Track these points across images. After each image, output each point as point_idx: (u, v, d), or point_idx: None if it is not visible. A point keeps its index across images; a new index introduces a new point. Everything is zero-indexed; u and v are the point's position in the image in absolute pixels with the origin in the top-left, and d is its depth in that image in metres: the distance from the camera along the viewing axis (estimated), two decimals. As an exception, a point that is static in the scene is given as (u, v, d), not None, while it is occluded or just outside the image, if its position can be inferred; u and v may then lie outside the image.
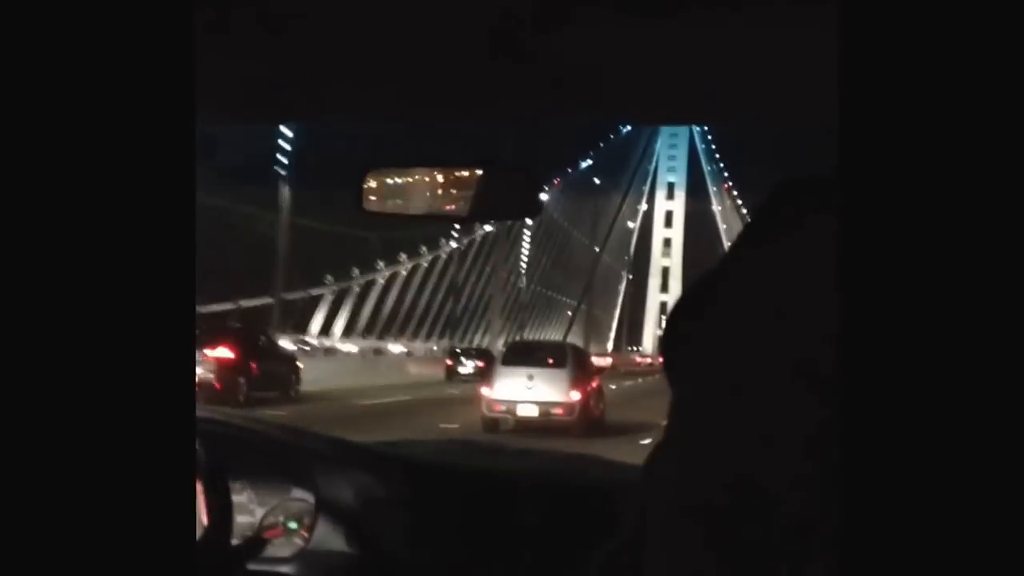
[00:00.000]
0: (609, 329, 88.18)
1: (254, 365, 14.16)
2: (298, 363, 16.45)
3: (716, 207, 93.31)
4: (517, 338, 32.44)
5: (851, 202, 0.35)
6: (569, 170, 53.95)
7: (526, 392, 12.09)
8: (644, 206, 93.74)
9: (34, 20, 0.44)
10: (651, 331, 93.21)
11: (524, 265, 47.86)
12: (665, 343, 0.45)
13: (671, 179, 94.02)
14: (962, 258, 0.33)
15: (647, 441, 6.41)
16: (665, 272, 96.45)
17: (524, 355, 12.88)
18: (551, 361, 12.39)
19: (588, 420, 12.30)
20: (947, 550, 0.32)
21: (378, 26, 0.91)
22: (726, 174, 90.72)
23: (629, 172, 77.38)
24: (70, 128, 0.44)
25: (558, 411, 12.20)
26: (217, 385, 12.78)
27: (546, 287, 51.60)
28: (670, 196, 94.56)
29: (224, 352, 13.57)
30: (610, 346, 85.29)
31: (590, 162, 58.77)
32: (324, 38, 0.94)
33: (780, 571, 0.37)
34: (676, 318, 0.45)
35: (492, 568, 1.45)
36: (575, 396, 12.06)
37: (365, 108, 1.24)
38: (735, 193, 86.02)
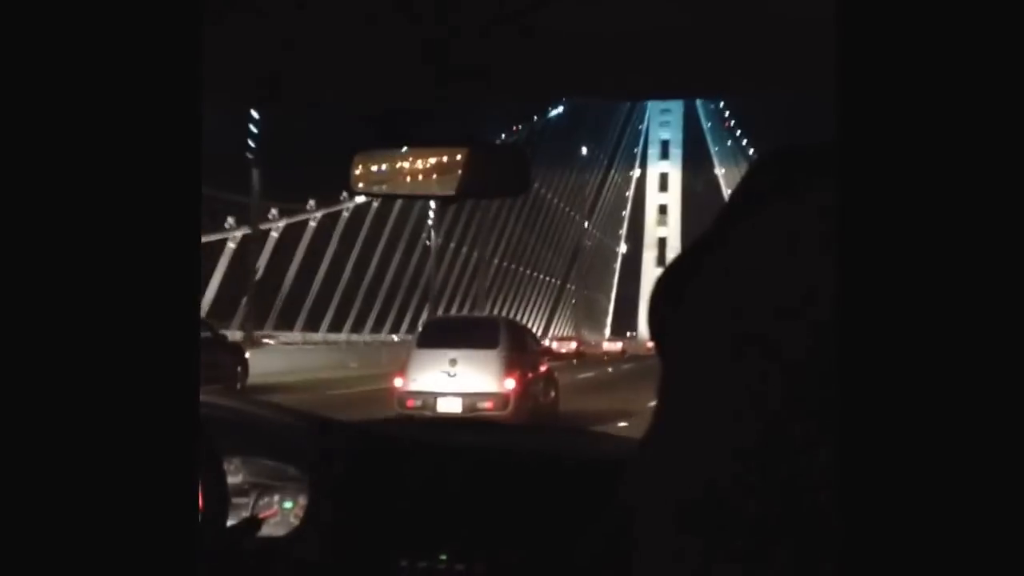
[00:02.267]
0: (605, 313, 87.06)
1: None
2: (245, 354, 17.32)
3: (719, 170, 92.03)
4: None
5: (849, 177, 0.38)
6: (535, 117, 49.98)
7: (447, 382, 10.76)
8: (637, 171, 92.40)
9: (30, 14, 0.49)
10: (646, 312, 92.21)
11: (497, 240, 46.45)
12: (649, 325, 0.48)
13: (665, 136, 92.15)
14: (962, 235, 0.36)
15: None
16: (662, 244, 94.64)
17: (445, 334, 11.45)
18: (479, 341, 11.01)
19: (529, 414, 10.80)
20: (945, 546, 0.34)
21: (372, 5, 1.03)
22: (731, 120, 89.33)
23: (615, 131, 76.49)
24: (70, 121, 0.49)
25: (487, 404, 10.69)
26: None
27: (520, 264, 50.18)
28: (664, 156, 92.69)
29: None
30: (607, 331, 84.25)
31: (561, 110, 55.88)
32: (315, 20, 1.08)
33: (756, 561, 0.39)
34: (656, 300, 0.48)
35: (485, 544, 1.59)
36: (509, 384, 10.70)
37: (360, 90, 1.41)
38: (739, 134, 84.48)
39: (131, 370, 0.50)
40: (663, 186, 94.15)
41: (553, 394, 12.31)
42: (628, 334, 79.83)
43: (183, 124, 0.51)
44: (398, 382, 11.12)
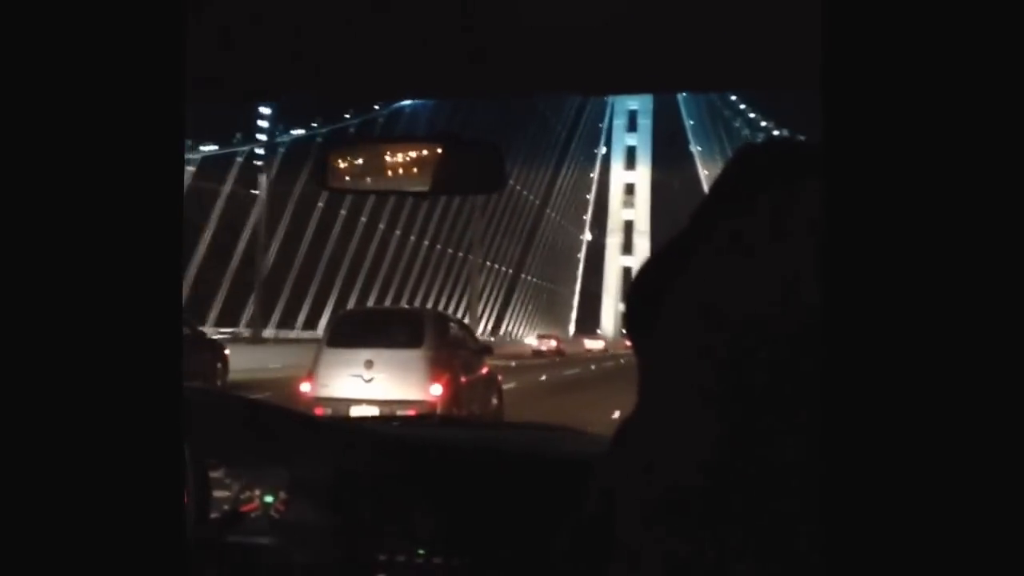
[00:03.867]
0: (568, 307, 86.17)
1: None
2: (225, 351, 18.18)
3: (695, 147, 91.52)
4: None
5: (835, 173, 0.41)
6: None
7: (361, 387, 9.97)
8: (603, 149, 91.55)
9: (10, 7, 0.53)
10: (611, 306, 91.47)
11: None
12: (626, 324, 0.53)
13: (632, 106, 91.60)
14: (945, 230, 0.40)
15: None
16: (628, 228, 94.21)
17: (360, 331, 10.67)
18: (400, 338, 10.29)
19: (463, 424, 9.88)
20: (929, 538, 0.39)
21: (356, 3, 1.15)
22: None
23: (574, 101, 75.35)
24: (49, 117, 0.54)
25: (408, 414, 9.78)
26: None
27: (464, 250, 49.14)
28: (632, 128, 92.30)
29: None
30: (572, 328, 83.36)
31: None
32: (296, 18, 1.20)
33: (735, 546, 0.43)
34: (634, 299, 0.53)
35: (463, 540, 1.76)
36: (435, 391, 9.96)
37: (345, 87, 1.59)
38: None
39: (115, 365, 0.54)
40: (629, 163, 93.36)
41: (495, 401, 11.70)
42: (597, 331, 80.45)
43: (165, 121, 0.56)
44: (305, 387, 10.45)
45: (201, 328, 21.09)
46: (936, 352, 0.40)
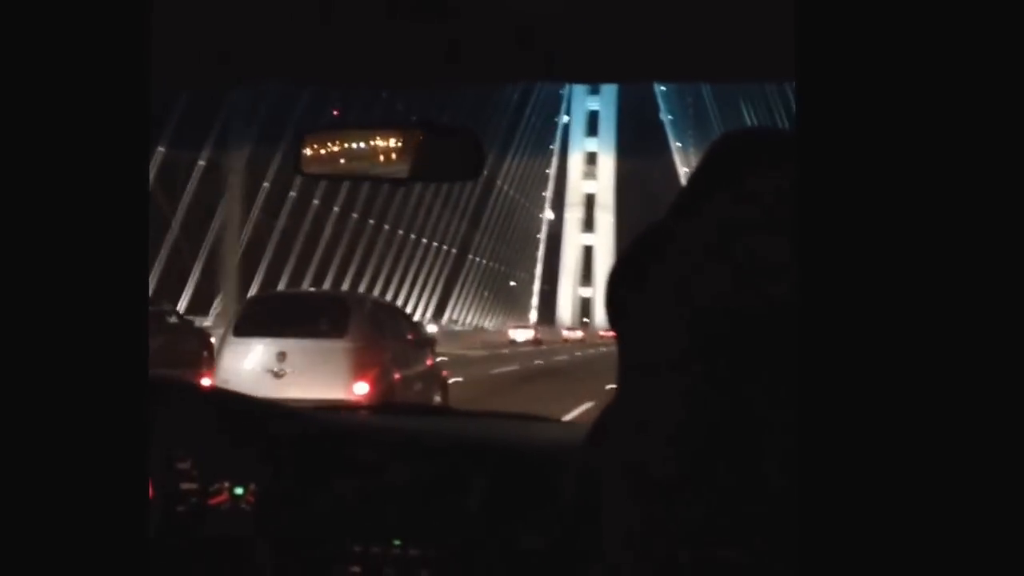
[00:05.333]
0: (527, 294, 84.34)
1: (156, 345, 16.83)
2: (211, 339, 19.01)
3: (666, 116, 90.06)
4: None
5: (809, 162, 0.46)
6: None
7: (272, 385, 9.01)
8: (565, 118, 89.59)
9: None
10: (570, 291, 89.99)
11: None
12: (607, 310, 0.57)
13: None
14: (922, 219, 0.44)
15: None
16: (589, 202, 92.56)
17: (272, 319, 10.03)
18: (320, 327, 9.80)
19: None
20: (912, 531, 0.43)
21: None
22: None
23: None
24: (16, 105, 0.57)
25: None
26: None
27: (393, 224, 47.15)
28: (595, 91, 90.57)
29: None
30: (533, 316, 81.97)
31: None
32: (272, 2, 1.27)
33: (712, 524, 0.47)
34: (615, 286, 0.57)
35: (438, 531, 1.86)
36: (360, 389, 9.28)
37: (315, 72, 1.67)
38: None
39: (79, 354, 0.58)
40: (591, 129, 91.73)
41: (438, 400, 11.20)
42: (584, 321, 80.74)
43: (131, 107, 0.59)
44: (204, 383, 9.74)
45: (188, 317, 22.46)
46: (914, 341, 0.43)
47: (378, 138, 1.73)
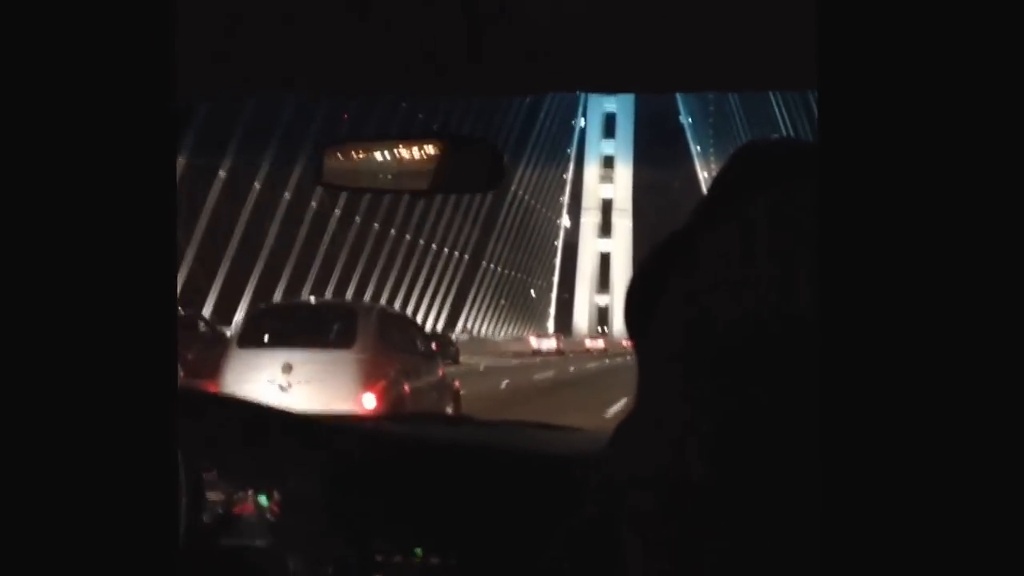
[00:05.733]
0: (546, 303, 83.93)
1: (191, 355, 16.41)
2: None
3: (686, 119, 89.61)
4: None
5: (831, 175, 0.47)
6: None
7: (278, 397, 8.94)
8: (581, 121, 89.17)
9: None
10: (586, 298, 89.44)
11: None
12: (626, 321, 0.59)
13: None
14: (943, 234, 0.45)
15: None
16: (606, 208, 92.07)
17: (278, 329, 10.17)
18: (328, 337, 9.90)
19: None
20: (926, 539, 0.44)
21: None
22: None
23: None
24: (41, 113, 0.59)
25: None
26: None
27: (400, 229, 46.82)
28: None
29: None
30: (551, 325, 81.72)
31: None
32: (292, 11, 1.34)
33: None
34: (632, 297, 0.59)
35: (459, 539, 1.92)
36: (368, 402, 9.25)
37: (333, 83, 1.73)
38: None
39: (107, 363, 0.59)
40: (608, 131, 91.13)
41: (450, 412, 10.95)
42: (602, 330, 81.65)
43: (157, 115, 0.61)
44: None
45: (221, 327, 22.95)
46: (934, 356, 0.44)
47: (398, 150, 1.78)
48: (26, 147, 0.57)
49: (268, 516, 1.92)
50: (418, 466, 1.98)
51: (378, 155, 1.79)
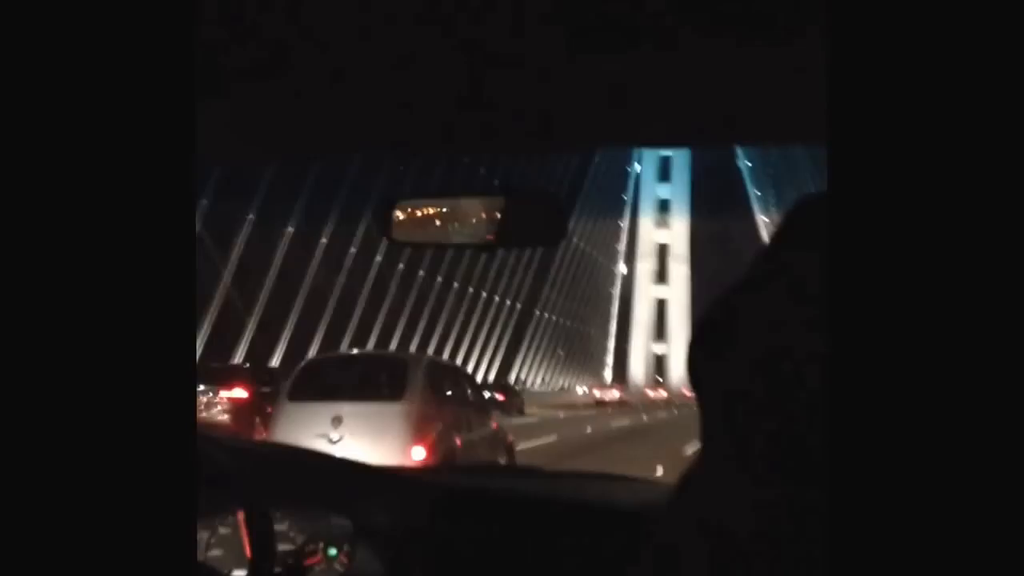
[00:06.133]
0: (602, 351, 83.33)
1: (269, 407, 17.64)
2: None
3: (744, 162, 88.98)
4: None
5: (842, 226, 0.49)
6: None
7: (328, 450, 9.03)
8: (637, 167, 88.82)
9: (45, 60, 0.63)
10: (642, 347, 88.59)
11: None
12: (688, 372, 0.61)
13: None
14: (953, 277, 0.47)
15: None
16: (662, 252, 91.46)
17: (329, 382, 10.35)
18: (378, 390, 10.06)
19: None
20: (936, 550, 0.46)
21: (385, 60, 1.33)
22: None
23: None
24: (73, 138, 0.63)
25: None
26: (232, 426, 16.75)
27: (455, 279, 46.63)
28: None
29: (239, 392, 18.05)
30: (608, 375, 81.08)
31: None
32: (328, 75, 1.38)
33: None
34: (695, 350, 0.61)
35: None
36: (418, 454, 9.41)
37: (380, 142, 1.83)
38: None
39: (128, 396, 0.62)
40: (663, 174, 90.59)
41: (502, 461, 11.15)
42: (659, 379, 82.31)
43: (177, 164, 0.65)
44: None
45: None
46: (967, 405, 0.46)
47: (463, 205, 1.85)
48: (53, 158, 0.61)
49: (337, 567, 1.98)
50: (485, 516, 2.03)
51: (443, 210, 1.89)
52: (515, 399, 35.51)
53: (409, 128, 1.61)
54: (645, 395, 67.00)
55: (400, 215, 1.88)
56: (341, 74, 1.36)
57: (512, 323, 55.96)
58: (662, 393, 68.56)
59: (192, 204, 0.66)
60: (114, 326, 0.62)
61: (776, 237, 0.61)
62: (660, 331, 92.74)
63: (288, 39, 1.26)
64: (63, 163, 0.61)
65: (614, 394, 57.69)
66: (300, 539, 1.99)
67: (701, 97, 1.41)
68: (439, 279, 43.08)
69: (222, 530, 1.97)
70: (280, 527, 1.94)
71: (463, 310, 46.86)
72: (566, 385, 66.49)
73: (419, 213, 1.90)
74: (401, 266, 38.51)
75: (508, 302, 53.98)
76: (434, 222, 1.89)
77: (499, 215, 1.78)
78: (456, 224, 1.86)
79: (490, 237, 1.80)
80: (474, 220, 1.82)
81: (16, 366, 0.60)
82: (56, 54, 0.62)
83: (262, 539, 1.76)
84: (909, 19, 0.49)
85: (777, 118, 1.48)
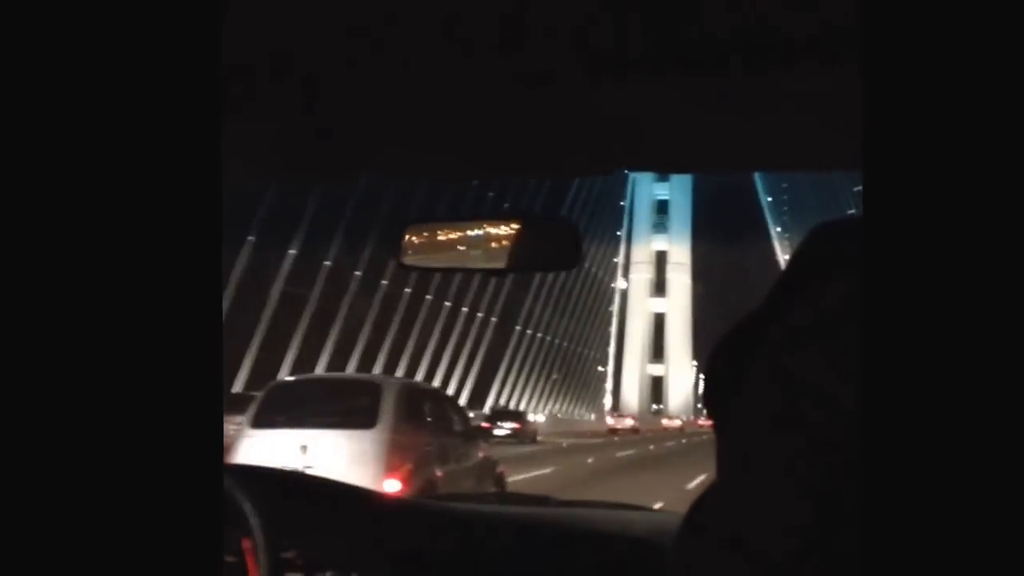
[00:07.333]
0: (599, 378, 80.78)
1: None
2: None
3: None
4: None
5: (876, 255, 0.51)
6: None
7: None
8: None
9: (70, 85, 0.66)
10: (636, 370, 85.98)
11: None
12: (705, 397, 0.64)
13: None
14: (986, 303, 0.49)
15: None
16: (660, 260, 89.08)
17: (296, 407, 10.31)
18: (348, 416, 10.04)
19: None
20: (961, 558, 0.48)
21: (416, 86, 1.40)
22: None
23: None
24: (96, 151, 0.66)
25: None
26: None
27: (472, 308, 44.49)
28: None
29: None
30: (608, 402, 79.17)
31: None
32: (362, 100, 1.46)
33: None
34: (712, 374, 0.64)
35: None
36: (391, 487, 9.26)
37: (408, 169, 1.95)
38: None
39: (153, 428, 0.65)
40: (661, 175, 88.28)
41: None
42: (656, 407, 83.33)
43: (205, 190, 0.68)
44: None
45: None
46: (1011, 430, 0.48)
47: (477, 230, 1.92)
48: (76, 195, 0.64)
49: None
50: (494, 546, 2.12)
51: (456, 235, 1.96)
52: (528, 427, 38.35)
53: (428, 155, 1.71)
54: (659, 424, 70.33)
55: (412, 238, 1.97)
56: (360, 99, 1.44)
57: (520, 348, 54.91)
58: (676, 422, 71.51)
59: (219, 228, 0.68)
60: (133, 355, 0.64)
61: (798, 263, 0.63)
62: (657, 350, 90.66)
63: (313, 67, 1.36)
64: (89, 186, 0.65)
65: (628, 423, 61.35)
66: (309, 568, 2.05)
67: (728, 124, 1.48)
68: (428, 297, 42.55)
69: (228, 558, 1.97)
70: (288, 555, 2.01)
71: (471, 337, 46.71)
72: (569, 412, 66.25)
73: (433, 237, 1.98)
74: (384, 282, 38.17)
75: (494, 319, 52.01)
76: (447, 246, 1.96)
77: (514, 239, 1.86)
78: (470, 248, 1.94)
79: (503, 263, 1.89)
80: (488, 244, 1.90)
81: (49, 399, 0.63)
82: (82, 75, 0.66)
83: (272, 568, 1.83)
84: (946, 47, 0.52)
85: (807, 144, 1.55)
